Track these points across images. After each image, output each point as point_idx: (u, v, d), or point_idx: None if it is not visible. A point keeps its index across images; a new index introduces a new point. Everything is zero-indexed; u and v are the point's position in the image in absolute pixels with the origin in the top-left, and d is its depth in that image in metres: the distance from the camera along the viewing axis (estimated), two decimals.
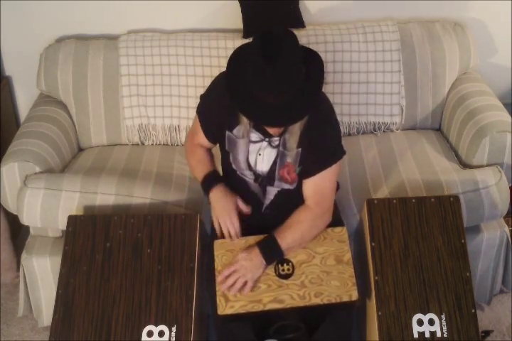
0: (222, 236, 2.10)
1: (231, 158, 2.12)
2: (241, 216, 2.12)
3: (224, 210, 2.09)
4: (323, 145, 2.03)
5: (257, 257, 2.03)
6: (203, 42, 2.73)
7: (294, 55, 1.83)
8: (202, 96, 2.19)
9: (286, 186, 2.12)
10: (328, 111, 2.07)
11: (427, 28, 2.81)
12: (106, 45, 2.77)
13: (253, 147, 2.08)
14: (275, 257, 2.05)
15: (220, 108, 2.05)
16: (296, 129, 1.99)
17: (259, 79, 1.84)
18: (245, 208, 2.12)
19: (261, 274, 2.03)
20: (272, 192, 2.14)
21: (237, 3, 2.79)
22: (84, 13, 2.84)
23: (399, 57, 2.75)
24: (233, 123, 2.04)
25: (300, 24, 2.81)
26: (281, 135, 2.04)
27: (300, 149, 2.05)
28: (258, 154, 2.08)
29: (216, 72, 2.66)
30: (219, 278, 2.02)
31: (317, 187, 2.08)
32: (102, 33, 2.87)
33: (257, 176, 2.12)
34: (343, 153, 2.08)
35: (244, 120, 2.00)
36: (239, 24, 2.80)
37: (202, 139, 2.21)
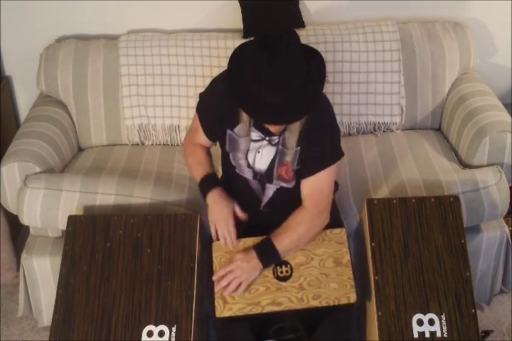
0: (218, 240, 2.10)
1: (231, 156, 2.13)
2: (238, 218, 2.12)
3: (221, 216, 2.09)
4: (322, 145, 2.04)
5: (253, 260, 2.02)
6: (203, 42, 2.73)
7: (294, 53, 1.83)
8: (201, 95, 2.18)
9: (285, 185, 2.12)
10: (328, 113, 2.07)
11: (427, 28, 2.81)
12: (106, 45, 2.77)
13: (253, 145, 2.08)
14: (272, 260, 2.05)
15: (220, 106, 2.05)
16: (295, 128, 2.00)
17: (259, 78, 1.84)
18: (242, 215, 2.12)
19: (256, 277, 2.02)
20: (270, 189, 2.15)
21: (237, 3, 2.79)
22: (84, 13, 2.84)
23: (399, 57, 2.75)
24: (234, 121, 2.05)
25: (300, 24, 2.81)
26: (281, 133, 2.04)
27: (299, 148, 2.05)
28: (257, 152, 2.09)
29: (216, 72, 2.66)
30: (214, 277, 2.03)
31: (315, 187, 2.07)
32: (102, 33, 2.87)
33: (256, 174, 2.13)
34: (342, 154, 2.09)
35: (245, 118, 2.01)
36: (239, 24, 2.80)
37: (202, 138, 2.21)
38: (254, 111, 1.91)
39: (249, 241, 2.08)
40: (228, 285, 2.00)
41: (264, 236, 2.06)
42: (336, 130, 2.09)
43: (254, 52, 1.84)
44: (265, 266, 2.03)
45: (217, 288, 2.01)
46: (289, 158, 2.07)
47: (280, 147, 2.06)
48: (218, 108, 2.07)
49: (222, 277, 2.02)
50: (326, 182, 2.07)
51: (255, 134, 2.07)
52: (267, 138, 2.06)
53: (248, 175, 2.14)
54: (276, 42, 1.82)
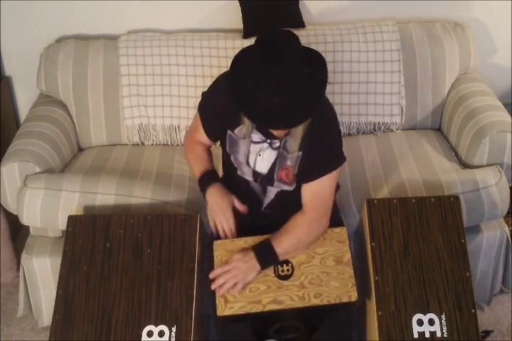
0: (218, 235, 2.11)
1: (232, 158, 2.13)
2: (240, 216, 2.12)
3: (219, 208, 2.10)
4: (324, 150, 2.03)
5: (251, 260, 2.02)
6: (203, 42, 2.73)
7: (294, 56, 1.82)
8: (203, 94, 2.19)
9: (285, 187, 2.12)
10: (331, 118, 2.06)
11: (427, 28, 2.81)
12: (106, 45, 2.77)
13: (254, 148, 2.08)
14: (270, 262, 2.04)
15: (222, 107, 2.05)
16: (298, 132, 1.99)
17: (261, 82, 1.83)
18: (241, 207, 2.12)
19: (254, 277, 2.02)
20: (272, 191, 2.15)
21: (237, 3, 2.79)
22: (84, 13, 2.84)
23: (399, 57, 2.75)
24: (235, 122, 2.05)
25: (300, 24, 2.81)
26: (283, 137, 2.04)
27: (301, 152, 2.05)
28: (258, 155, 2.09)
29: (216, 72, 2.67)
30: (211, 275, 2.02)
31: (315, 192, 2.05)
32: (102, 33, 2.87)
33: (257, 176, 2.12)
34: (344, 159, 2.07)
35: (246, 121, 2.00)
36: (239, 24, 2.80)
37: (202, 137, 2.21)
38: (257, 116, 1.90)
39: (251, 240, 2.08)
40: (224, 283, 2.00)
41: (266, 236, 2.06)
42: (338, 134, 2.08)
43: (255, 57, 1.83)
44: (263, 267, 2.03)
45: (213, 286, 2.01)
46: (289, 162, 2.06)
47: (281, 150, 2.06)
48: (220, 107, 2.07)
49: (220, 275, 2.02)
50: (327, 188, 2.06)
51: (256, 136, 2.06)
52: (268, 140, 2.06)
53: (249, 177, 2.13)
54: (277, 45, 1.81)
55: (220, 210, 2.10)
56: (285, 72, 1.81)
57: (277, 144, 2.06)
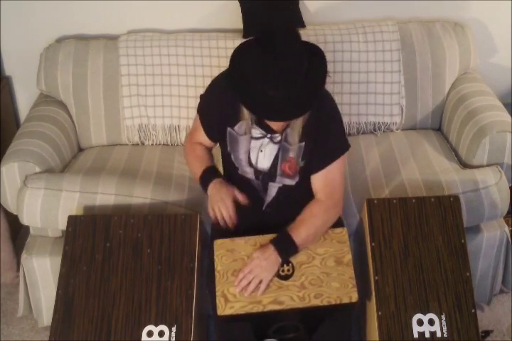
0: (218, 225, 2.10)
1: (233, 157, 2.13)
2: (241, 214, 2.11)
3: (219, 197, 2.09)
4: (328, 139, 2.06)
5: (272, 256, 2.00)
6: (203, 42, 2.73)
7: (295, 48, 1.85)
8: (202, 96, 2.21)
9: (288, 181, 2.12)
10: (331, 107, 2.09)
11: (427, 28, 2.81)
12: (106, 45, 2.77)
13: (254, 143, 2.09)
14: (290, 254, 2.03)
15: (221, 104, 2.07)
16: (298, 124, 2.01)
17: (261, 73, 1.86)
18: (242, 198, 2.10)
19: (276, 272, 2.01)
20: (273, 188, 2.15)
21: (237, 3, 2.79)
22: (84, 13, 2.84)
23: (399, 57, 2.75)
24: (234, 119, 2.06)
25: (300, 24, 2.81)
26: (283, 130, 2.05)
27: (303, 143, 2.06)
28: (260, 151, 2.09)
29: (216, 72, 2.67)
30: (235, 282, 2.00)
31: (327, 179, 2.08)
32: (102, 33, 2.87)
33: (258, 173, 2.13)
34: (348, 145, 2.12)
35: (246, 116, 2.02)
36: (239, 24, 2.80)
37: (203, 138, 2.23)
38: (256, 107, 1.92)
39: (252, 239, 2.07)
40: (249, 284, 1.99)
41: (268, 236, 2.05)
42: (340, 122, 2.12)
43: (256, 49, 1.86)
44: (284, 260, 2.01)
45: (237, 289, 1.99)
46: (292, 154, 2.08)
47: (283, 143, 2.07)
48: (219, 106, 2.08)
49: (242, 277, 2.00)
50: (336, 174, 2.09)
51: (256, 131, 2.07)
52: (269, 135, 2.07)
53: (250, 175, 2.14)
54: (277, 37, 1.83)
55: (220, 198, 2.08)
56: (286, 64, 1.83)
57: (278, 138, 2.07)
